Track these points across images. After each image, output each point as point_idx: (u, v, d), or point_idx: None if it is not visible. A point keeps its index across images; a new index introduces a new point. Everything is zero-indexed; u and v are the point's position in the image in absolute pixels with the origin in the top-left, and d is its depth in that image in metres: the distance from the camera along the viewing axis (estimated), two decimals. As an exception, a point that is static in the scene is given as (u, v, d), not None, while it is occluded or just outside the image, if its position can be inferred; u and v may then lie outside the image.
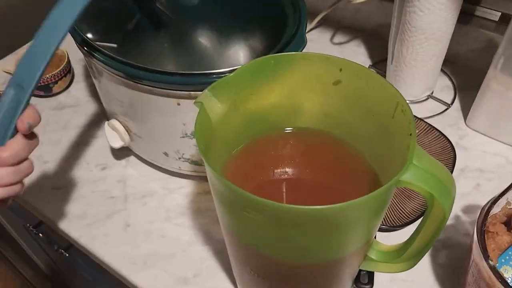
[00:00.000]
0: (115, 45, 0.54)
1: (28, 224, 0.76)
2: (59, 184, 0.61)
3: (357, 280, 0.49)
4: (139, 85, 0.48)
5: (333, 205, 0.28)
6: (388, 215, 0.56)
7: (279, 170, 0.42)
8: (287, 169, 0.42)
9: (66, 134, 0.68)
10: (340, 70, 0.38)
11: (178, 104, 0.49)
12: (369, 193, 0.29)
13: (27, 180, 0.62)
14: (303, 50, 0.50)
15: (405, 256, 0.38)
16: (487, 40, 0.71)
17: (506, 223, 0.44)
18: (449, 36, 0.62)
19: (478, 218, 0.42)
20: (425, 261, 0.53)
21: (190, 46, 0.54)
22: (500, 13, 0.70)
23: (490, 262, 0.39)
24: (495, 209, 0.45)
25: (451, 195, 0.31)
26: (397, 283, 0.51)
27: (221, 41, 0.55)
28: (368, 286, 0.48)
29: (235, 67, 0.44)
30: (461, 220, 0.57)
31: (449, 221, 0.56)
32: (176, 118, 0.51)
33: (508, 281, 0.39)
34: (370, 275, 0.49)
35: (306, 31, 0.81)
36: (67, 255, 0.72)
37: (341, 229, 0.32)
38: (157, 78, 0.46)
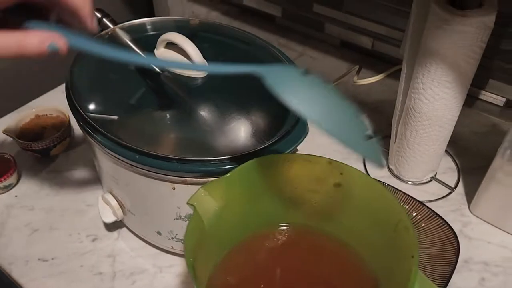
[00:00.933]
0: (115, 117, 0.54)
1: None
2: (47, 255, 0.59)
3: None
4: (134, 167, 0.47)
5: None
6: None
7: (274, 273, 0.40)
8: (282, 271, 0.40)
9: (60, 200, 0.66)
10: (341, 174, 0.37)
11: (173, 188, 0.47)
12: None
13: (13, 251, 0.60)
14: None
15: None
16: (491, 125, 0.70)
17: None
18: (453, 123, 0.62)
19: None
20: None
21: (190, 123, 0.53)
22: (505, 99, 0.70)
23: None
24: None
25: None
26: None
27: (222, 120, 0.54)
28: None
29: (232, 156, 0.43)
30: (464, 319, 0.54)
31: (452, 319, 0.53)
32: (170, 201, 0.49)
33: None
34: None
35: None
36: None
37: None
38: (153, 163, 0.45)
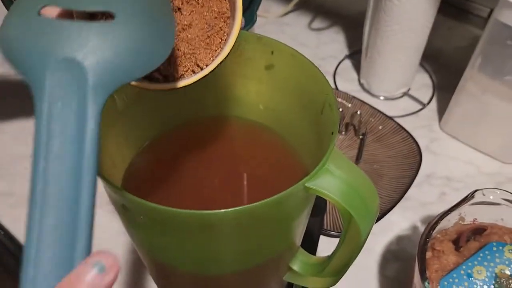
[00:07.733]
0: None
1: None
2: None
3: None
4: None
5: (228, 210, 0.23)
6: (338, 220, 0.51)
7: (196, 164, 0.37)
8: (205, 165, 0.37)
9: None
10: (272, 53, 0.33)
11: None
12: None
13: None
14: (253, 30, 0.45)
15: (326, 272, 0.33)
16: (473, 38, 0.65)
17: (455, 241, 0.39)
18: (427, 30, 0.57)
19: (422, 234, 0.37)
20: (373, 272, 0.48)
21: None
22: (489, 10, 0.64)
23: (427, 284, 0.34)
24: (446, 224, 0.40)
25: (371, 218, 0.26)
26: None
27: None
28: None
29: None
30: (418, 231, 0.52)
31: (406, 232, 0.52)
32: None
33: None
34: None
35: (282, 14, 0.75)
36: None
37: (247, 233, 0.27)
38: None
